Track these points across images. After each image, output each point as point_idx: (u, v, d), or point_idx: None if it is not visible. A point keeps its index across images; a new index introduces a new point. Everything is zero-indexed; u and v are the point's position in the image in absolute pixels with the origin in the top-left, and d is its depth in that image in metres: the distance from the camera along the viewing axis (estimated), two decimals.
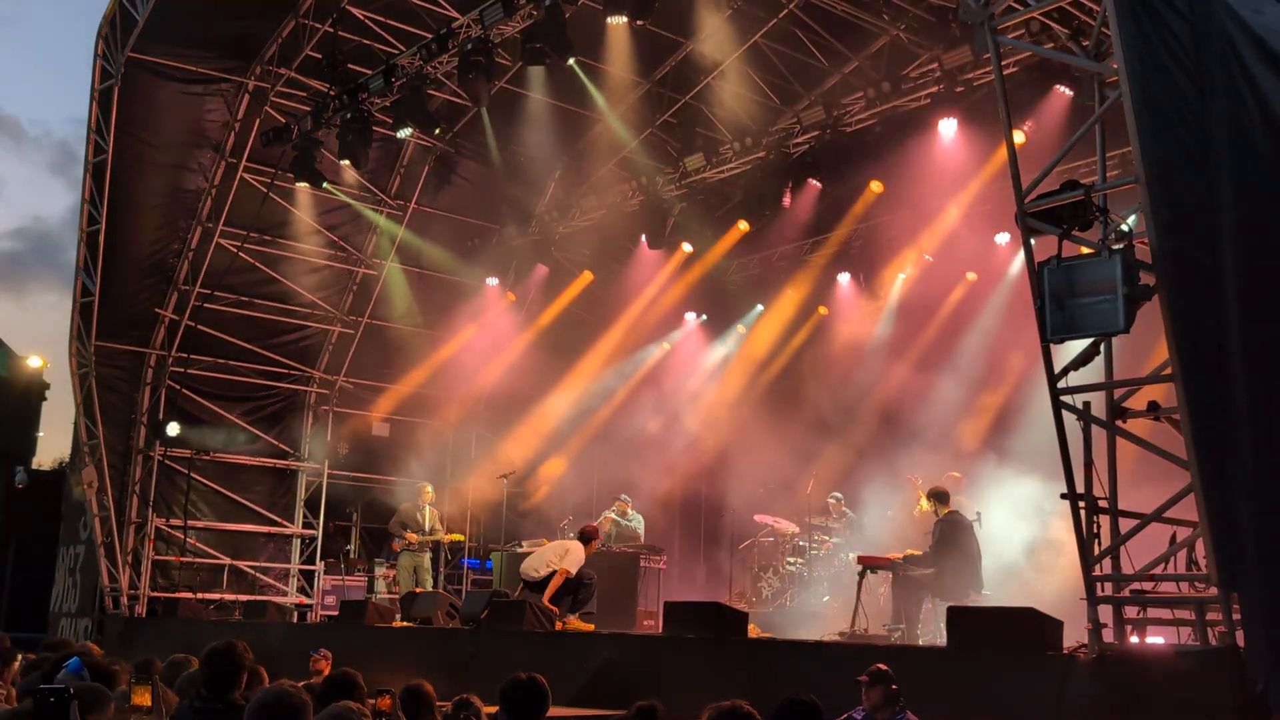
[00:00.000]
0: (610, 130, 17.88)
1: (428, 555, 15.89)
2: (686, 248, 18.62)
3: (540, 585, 12.87)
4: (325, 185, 17.02)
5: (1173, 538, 7.71)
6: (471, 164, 18.55)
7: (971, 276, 16.59)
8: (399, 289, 19.37)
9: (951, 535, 11.45)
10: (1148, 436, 7.77)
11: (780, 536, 15.62)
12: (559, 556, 13.07)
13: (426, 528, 15.90)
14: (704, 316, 20.26)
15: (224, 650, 5.98)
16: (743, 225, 17.47)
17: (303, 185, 16.84)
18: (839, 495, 15.39)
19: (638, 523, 16.17)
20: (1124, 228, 7.58)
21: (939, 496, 11.91)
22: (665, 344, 20.46)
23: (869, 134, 15.12)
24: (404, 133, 15.71)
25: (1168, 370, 7.17)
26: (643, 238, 18.30)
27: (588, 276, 19.78)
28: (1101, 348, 7.68)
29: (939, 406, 15.88)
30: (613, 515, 16.04)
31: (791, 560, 15.17)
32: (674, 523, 19.86)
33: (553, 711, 7.03)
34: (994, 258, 16.07)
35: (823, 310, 18.84)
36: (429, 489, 16.64)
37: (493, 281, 19.88)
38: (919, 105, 14.33)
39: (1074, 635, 7.89)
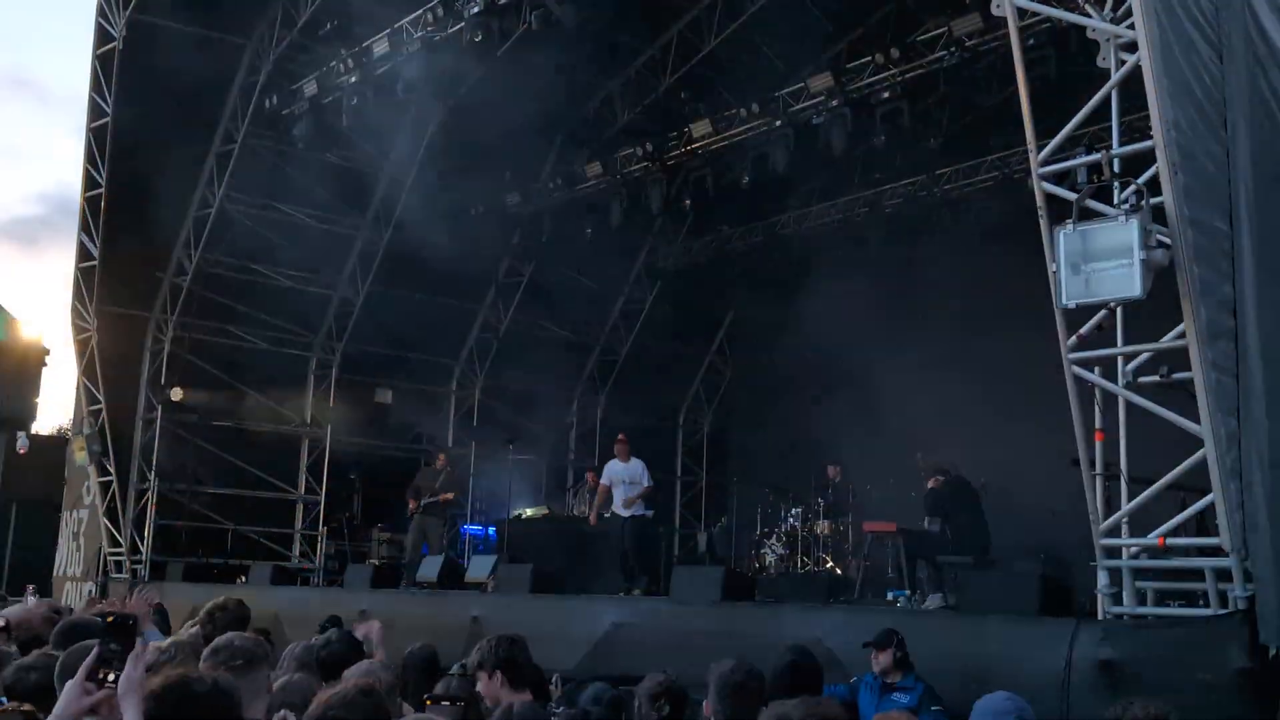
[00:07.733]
0: (615, 96, 17.75)
1: (435, 519, 15.89)
2: None
3: None
4: (329, 150, 16.93)
5: (1182, 503, 7.71)
6: (475, 130, 18.38)
7: None
8: (401, 255, 19.24)
9: (956, 499, 11.44)
10: (1160, 403, 7.75)
11: (784, 503, 15.61)
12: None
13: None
14: None
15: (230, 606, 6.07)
16: None
17: (307, 150, 16.73)
18: (838, 464, 15.32)
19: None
20: (1139, 193, 7.53)
21: (937, 468, 11.87)
22: None
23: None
24: (409, 96, 15.59)
25: (1182, 336, 7.14)
26: None
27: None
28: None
29: None
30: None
31: (793, 529, 15.14)
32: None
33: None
34: None
35: None
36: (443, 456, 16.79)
37: (495, 250, 19.78)
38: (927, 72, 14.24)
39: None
